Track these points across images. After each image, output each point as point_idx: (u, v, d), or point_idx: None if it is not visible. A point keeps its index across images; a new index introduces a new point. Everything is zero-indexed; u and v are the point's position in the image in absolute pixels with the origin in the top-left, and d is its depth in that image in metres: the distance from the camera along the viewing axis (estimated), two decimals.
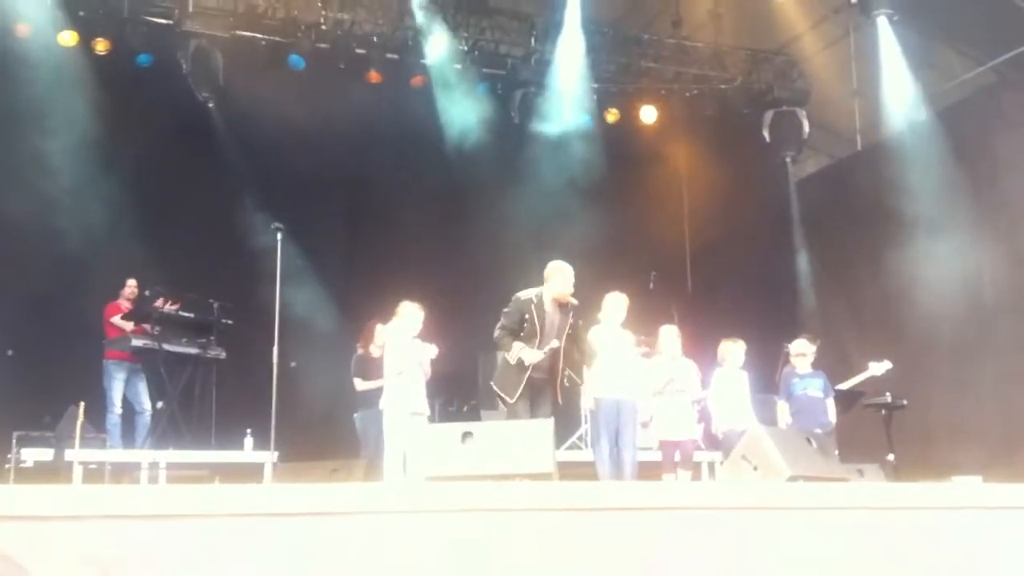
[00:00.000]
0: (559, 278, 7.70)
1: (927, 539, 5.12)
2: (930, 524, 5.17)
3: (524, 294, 7.65)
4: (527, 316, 7.57)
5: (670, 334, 9.05)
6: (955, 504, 5.31)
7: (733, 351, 9.22)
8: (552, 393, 7.62)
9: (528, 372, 7.48)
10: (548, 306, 7.65)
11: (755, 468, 5.83)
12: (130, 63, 11.15)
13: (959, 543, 5.15)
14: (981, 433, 9.95)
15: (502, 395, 7.61)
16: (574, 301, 7.71)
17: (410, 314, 8.19)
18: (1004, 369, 10.10)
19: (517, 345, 7.49)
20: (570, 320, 7.70)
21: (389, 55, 12.06)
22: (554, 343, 7.54)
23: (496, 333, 7.65)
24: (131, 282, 10.02)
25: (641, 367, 8.73)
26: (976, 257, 10.54)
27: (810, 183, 13.91)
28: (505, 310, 7.65)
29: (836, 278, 12.43)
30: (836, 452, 7.42)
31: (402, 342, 8.15)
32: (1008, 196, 10.25)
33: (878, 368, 9.37)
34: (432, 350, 8.29)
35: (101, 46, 11.03)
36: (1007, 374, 10.07)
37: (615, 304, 8.47)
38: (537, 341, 7.52)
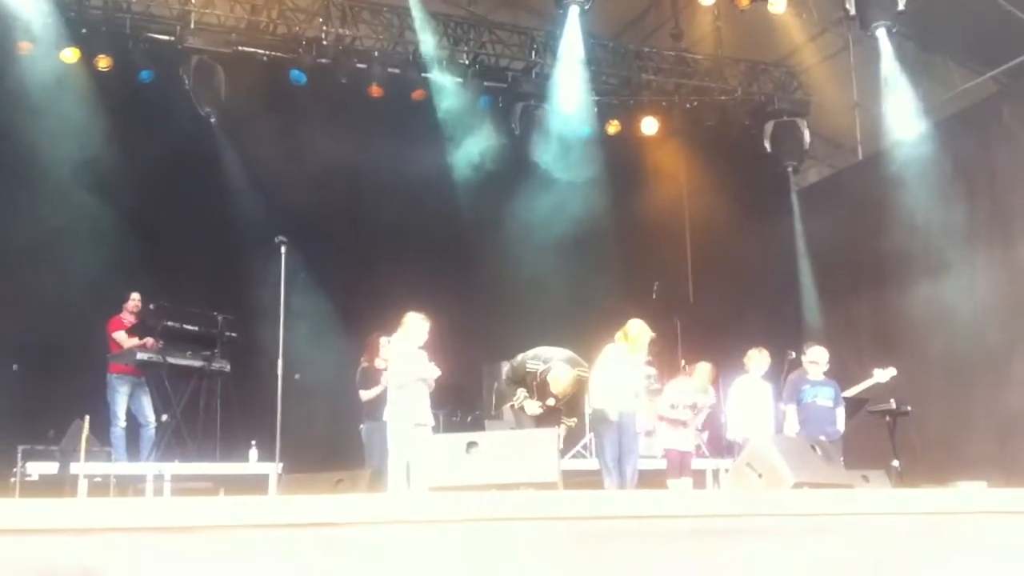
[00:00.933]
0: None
1: (933, 544, 5.12)
2: (936, 529, 5.17)
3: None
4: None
5: (704, 370, 9.21)
6: (960, 509, 5.31)
7: (757, 360, 9.28)
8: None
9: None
10: None
11: (760, 475, 5.84)
12: (132, 79, 11.20)
13: (964, 548, 5.15)
14: (983, 439, 9.96)
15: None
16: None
17: (415, 325, 8.21)
18: (1003, 376, 10.11)
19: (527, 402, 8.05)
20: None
21: (390, 69, 12.10)
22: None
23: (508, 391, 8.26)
24: (135, 296, 10.04)
25: (639, 378, 8.76)
26: (975, 266, 10.56)
27: (811, 193, 13.95)
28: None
29: (837, 287, 12.45)
30: (841, 459, 7.42)
31: (407, 353, 8.16)
32: (1007, 206, 10.29)
33: (883, 375, 9.39)
34: (435, 371, 8.32)
35: (103, 63, 11.09)
36: (1005, 381, 10.08)
37: (636, 332, 8.38)
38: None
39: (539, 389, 8.07)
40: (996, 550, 5.23)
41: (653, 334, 8.40)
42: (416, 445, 7.81)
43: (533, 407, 7.91)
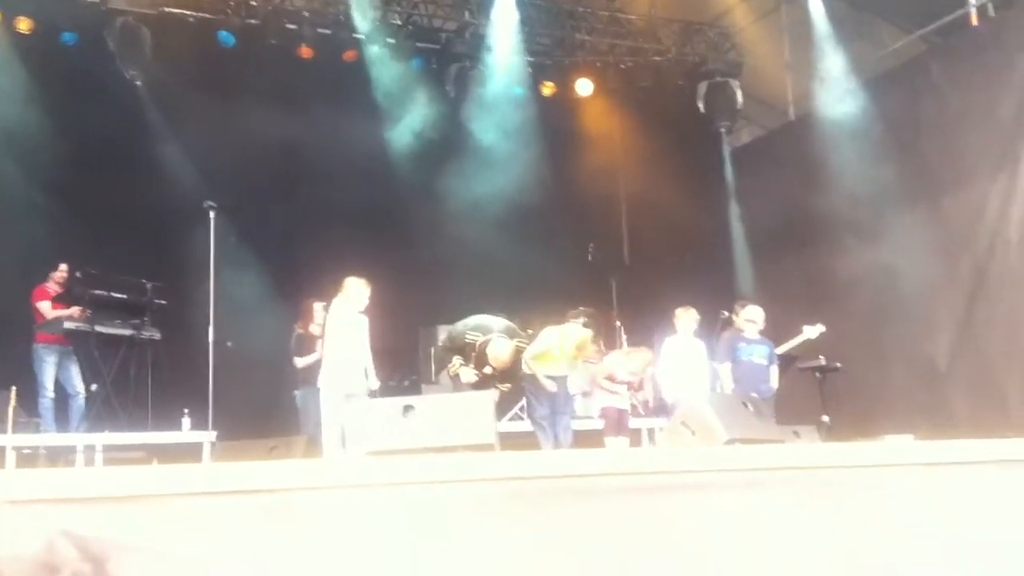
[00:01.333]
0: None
1: (861, 496, 5.23)
2: (863, 481, 5.28)
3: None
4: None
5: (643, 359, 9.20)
6: (887, 461, 5.44)
7: (685, 319, 9.36)
8: None
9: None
10: None
11: (694, 433, 5.89)
12: (55, 42, 10.86)
13: (892, 499, 5.28)
14: (910, 393, 10.18)
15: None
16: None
17: (356, 290, 8.13)
18: (927, 331, 10.34)
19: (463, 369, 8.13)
20: None
21: (321, 30, 11.89)
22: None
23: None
24: (63, 266, 9.82)
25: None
26: (903, 224, 10.74)
27: (744, 153, 14.06)
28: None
29: (769, 246, 12.60)
30: (773, 415, 7.56)
31: (345, 318, 8.09)
32: (934, 164, 10.45)
33: (812, 331, 9.55)
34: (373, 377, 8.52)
35: (24, 25, 10.72)
36: (929, 336, 10.31)
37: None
38: None
39: (477, 359, 8.13)
40: (922, 501, 5.37)
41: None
42: (351, 410, 7.79)
43: (469, 375, 7.97)
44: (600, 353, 9.25)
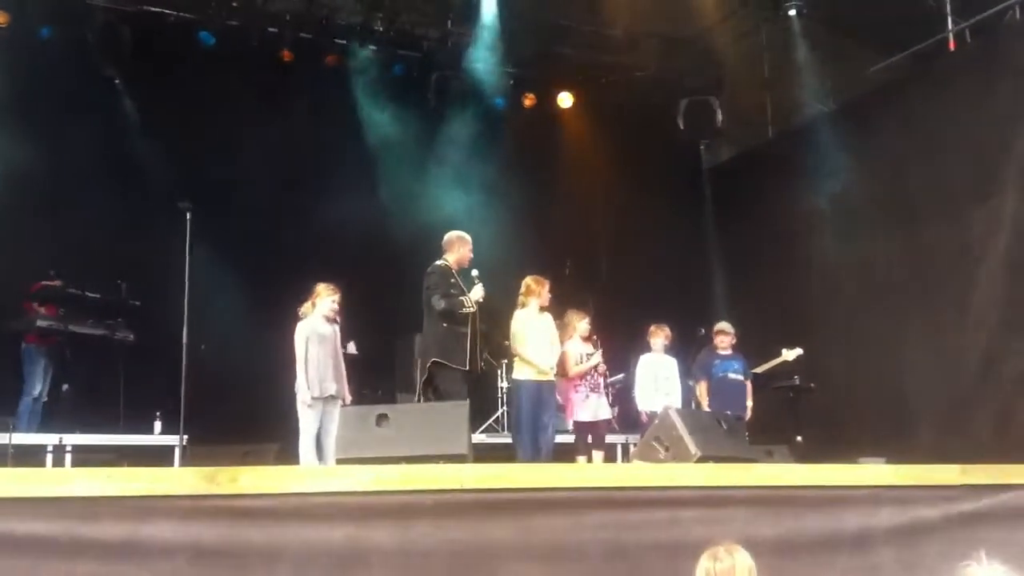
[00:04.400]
0: (461, 246, 8.24)
1: (833, 515, 5.27)
2: (835, 501, 5.32)
3: (436, 264, 8.11)
4: (452, 280, 8.07)
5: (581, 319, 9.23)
6: (858, 483, 5.48)
7: (658, 335, 9.44)
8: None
9: (469, 338, 7.89)
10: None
11: (667, 449, 5.91)
12: (31, 37, 10.76)
13: (862, 518, 5.31)
14: (883, 416, 10.23)
15: (454, 365, 7.83)
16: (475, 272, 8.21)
17: (326, 296, 8.09)
18: (900, 356, 10.39)
19: (467, 298, 7.99)
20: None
21: (302, 34, 11.87)
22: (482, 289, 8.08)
23: (441, 303, 7.93)
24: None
25: (559, 350, 8.83)
26: (879, 247, 10.81)
27: (722, 171, 14.12)
28: (431, 284, 7.99)
29: (746, 265, 12.65)
30: (747, 434, 7.57)
31: (316, 325, 8.04)
32: (910, 187, 10.52)
33: (790, 354, 9.63)
34: (349, 346, 8.35)
35: (0, 18, 10.64)
36: (901, 360, 10.37)
37: (536, 287, 8.64)
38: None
39: (456, 274, 8.22)
40: (891, 521, 5.41)
41: (545, 280, 8.82)
42: (325, 418, 7.75)
43: (479, 292, 8.06)
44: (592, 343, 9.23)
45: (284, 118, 11.20)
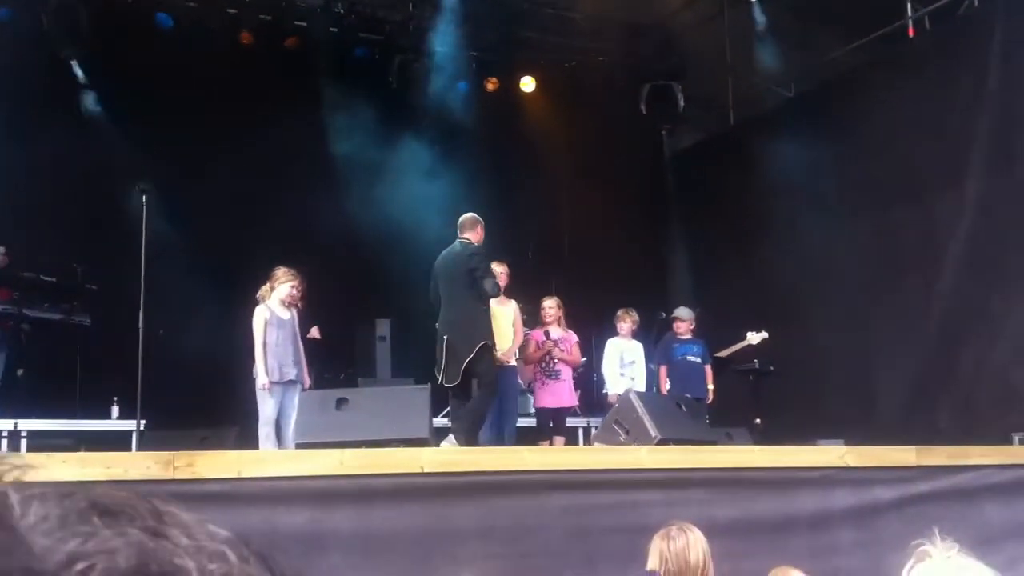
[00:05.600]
0: (481, 228, 8.30)
1: (791, 497, 5.32)
2: (794, 482, 5.37)
3: (476, 245, 8.15)
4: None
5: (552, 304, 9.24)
6: (817, 464, 5.53)
7: (625, 320, 9.49)
8: None
9: None
10: None
11: (627, 432, 5.93)
12: None
13: (822, 500, 5.37)
14: (843, 399, 10.34)
15: (497, 347, 7.96)
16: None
17: (286, 280, 8.01)
18: (863, 339, 10.50)
19: None
20: None
21: (262, 16, 11.74)
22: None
23: (497, 287, 8.06)
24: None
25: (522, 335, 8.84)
26: (842, 231, 10.88)
27: (685, 157, 14.16)
28: (480, 267, 7.96)
29: (709, 249, 12.72)
30: (707, 417, 7.64)
31: (276, 309, 7.98)
32: (874, 173, 10.58)
33: (755, 338, 9.70)
34: (313, 331, 8.27)
35: None
36: (864, 344, 10.48)
37: (495, 268, 8.62)
38: None
39: None
40: (847, 502, 5.47)
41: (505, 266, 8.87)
42: (285, 402, 7.70)
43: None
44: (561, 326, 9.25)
45: (244, 100, 11.07)
